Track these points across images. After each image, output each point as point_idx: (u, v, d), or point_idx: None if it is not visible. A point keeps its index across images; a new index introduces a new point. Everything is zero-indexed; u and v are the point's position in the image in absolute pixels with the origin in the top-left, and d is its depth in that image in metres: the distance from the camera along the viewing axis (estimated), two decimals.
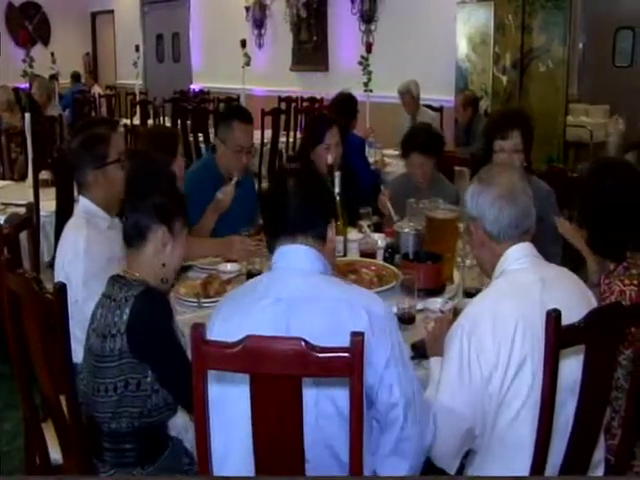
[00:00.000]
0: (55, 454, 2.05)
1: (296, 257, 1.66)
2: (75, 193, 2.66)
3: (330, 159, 3.13)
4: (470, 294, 2.36)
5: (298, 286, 1.59)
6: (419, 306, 2.24)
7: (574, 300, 1.73)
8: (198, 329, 1.43)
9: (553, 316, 1.53)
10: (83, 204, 2.44)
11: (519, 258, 1.80)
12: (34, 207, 3.62)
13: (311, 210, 1.70)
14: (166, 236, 1.90)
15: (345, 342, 1.37)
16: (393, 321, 1.64)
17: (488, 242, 1.83)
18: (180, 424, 2.00)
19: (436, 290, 2.41)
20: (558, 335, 1.54)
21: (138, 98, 8.81)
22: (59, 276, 2.29)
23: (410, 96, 6.19)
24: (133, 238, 1.90)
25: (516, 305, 1.69)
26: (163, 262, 1.92)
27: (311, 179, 1.78)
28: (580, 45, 8.29)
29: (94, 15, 14.41)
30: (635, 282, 1.98)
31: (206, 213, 3.03)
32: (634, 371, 1.77)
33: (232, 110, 3.42)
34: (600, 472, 1.80)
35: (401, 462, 1.59)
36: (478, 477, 1.73)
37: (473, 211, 1.85)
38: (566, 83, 6.68)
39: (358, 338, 1.36)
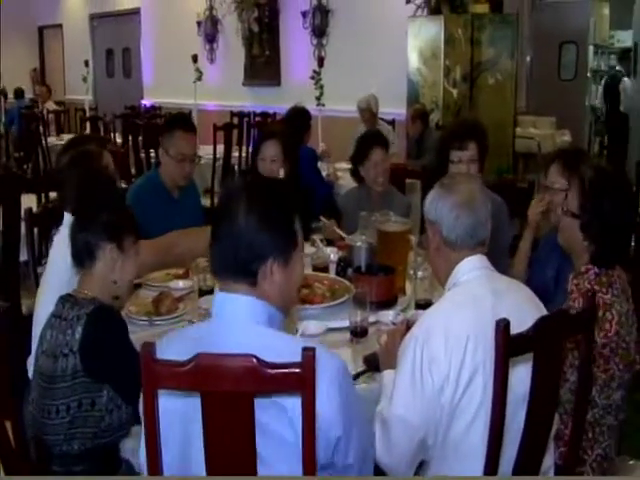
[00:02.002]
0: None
1: (236, 309, 1.50)
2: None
3: (267, 172, 3.20)
4: (422, 306, 2.39)
5: (240, 345, 1.42)
6: (371, 319, 2.26)
7: (526, 311, 1.76)
8: (148, 348, 1.41)
9: (502, 325, 1.56)
10: (69, 220, 2.39)
11: (472, 270, 1.83)
12: None
13: (262, 246, 1.48)
14: (115, 253, 1.88)
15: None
16: (347, 378, 1.53)
17: (443, 248, 1.85)
18: (129, 449, 1.96)
19: (388, 302, 2.43)
20: (507, 343, 1.56)
21: (88, 114, 8.70)
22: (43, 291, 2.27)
23: (370, 112, 6.25)
24: (83, 258, 1.88)
25: (468, 316, 1.72)
26: (114, 279, 1.90)
27: (263, 200, 1.53)
28: (527, 59, 8.51)
29: (41, 29, 14.19)
30: (604, 290, 2.01)
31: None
32: (580, 377, 1.82)
33: (175, 120, 3.43)
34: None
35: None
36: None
37: (432, 215, 1.87)
38: (514, 96, 6.87)
39: (309, 353, 1.36)
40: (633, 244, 2.73)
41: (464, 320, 1.71)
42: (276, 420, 1.41)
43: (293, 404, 1.38)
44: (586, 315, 1.77)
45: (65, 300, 1.85)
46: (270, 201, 1.54)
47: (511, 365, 1.60)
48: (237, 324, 1.49)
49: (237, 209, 1.48)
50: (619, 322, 1.99)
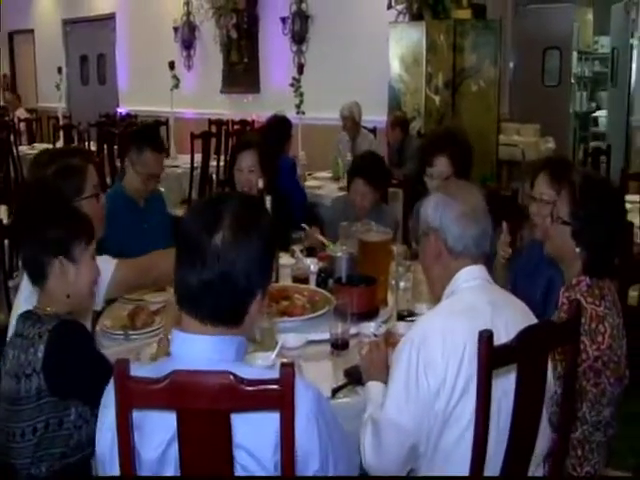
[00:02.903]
0: None
1: (201, 348, 1.44)
2: None
3: (244, 183, 3.25)
4: (404, 317, 2.40)
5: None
6: (353, 331, 2.26)
7: (522, 324, 1.75)
8: (121, 365, 1.40)
9: (485, 336, 1.56)
10: None
11: (471, 280, 1.84)
12: None
13: (256, 285, 1.42)
14: (64, 265, 1.85)
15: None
16: (324, 406, 1.49)
17: (445, 256, 1.86)
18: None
19: (370, 314, 2.43)
20: (490, 355, 1.57)
21: (61, 122, 8.64)
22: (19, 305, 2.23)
23: (352, 120, 6.27)
24: (34, 277, 1.86)
25: (467, 324, 1.71)
26: (67, 293, 1.86)
27: (251, 232, 1.42)
28: (511, 65, 8.60)
29: (11, 35, 14.08)
30: (597, 302, 2.02)
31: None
32: (565, 389, 1.83)
33: (144, 137, 3.43)
34: None
35: None
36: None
37: (435, 222, 1.86)
38: (497, 102, 6.93)
39: (288, 369, 1.36)
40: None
41: (462, 328, 1.71)
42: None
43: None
44: (571, 325, 1.79)
45: (26, 317, 1.83)
46: (259, 232, 1.45)
47: (506, 373, 1.63)
48: (201, 365, 1.40)
49: (228, 244, 1.39)
50: (612, 335, 1.99)
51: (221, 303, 1.42)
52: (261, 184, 3.07)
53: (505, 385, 1.69)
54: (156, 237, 3.12)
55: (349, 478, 1.66)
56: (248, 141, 3.62)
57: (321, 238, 3.08)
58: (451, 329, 1.72)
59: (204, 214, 1.45)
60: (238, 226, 1.41)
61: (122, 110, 10.91)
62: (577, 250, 2.07)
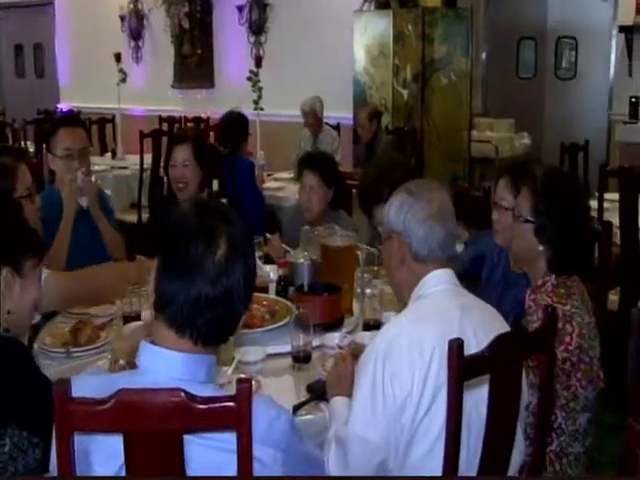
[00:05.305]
0: None
1: (171, 365, 1.46)
2: None
3: (178, 178, 3.27)
4: (370, 327, 2.42)
5: None
6: (315, 343, 2.27)
7: (492, 327, 1.79)
8: (62, 386, 1.39)
9: (455, 346, 1.59)
10: None
11: (438, 284, 1.86)
12: None
13: (247, 302, 1.50)
14: (10, 278, 1.82)
15: None
16: (290, 428, 1.50)
17: (410, 261, 1.88)
18: None
19: (334, 324, 2.45)
20: (460, 366, 1.59)
21: None
22: None
23: (314, 115, 6.27)
24: None
25: (434, 329, 1.74)
26: (8, 309, 1.83)
27: (246, 248, 1.50)
28: (483, 56, 8.69)
29: None
30: (563, 301, 2.07)
31: (61, 228, 3.05)
32: (541, 398, 1.86)
33: (58, 120, 3.48)
34: None
35: None
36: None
37: (398, 226, 1.88)
38: (469, 96, 7.02)
39: (244, 385, 1.37)
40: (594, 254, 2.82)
41: (429, 333, 1.73)
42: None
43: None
44: (546, 332, 1.83)
45: None
46: (250, 244, 1.54)
47: (477, 383, 1.65)
48: (169, 384, 1.41)
49: (229, 259, 1.44)
50: (580, 334, 2.04)
51: (219, 320, 1.47)
52: (195, 179, 3.08)
53: (477, 398, 1.71)
54: (95, 243, 3.13)
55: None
56: (182, 134, 3.65)
57: (285, 247, 3.08)
58: (418, 336, 1.74)
59: (199, 227, 1.47)
60: (235, 240, 1.46)
61: (63, 106, 10.77)
62: (540, 248, 2.12)
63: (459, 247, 2.55)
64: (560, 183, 2.19)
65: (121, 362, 1.93)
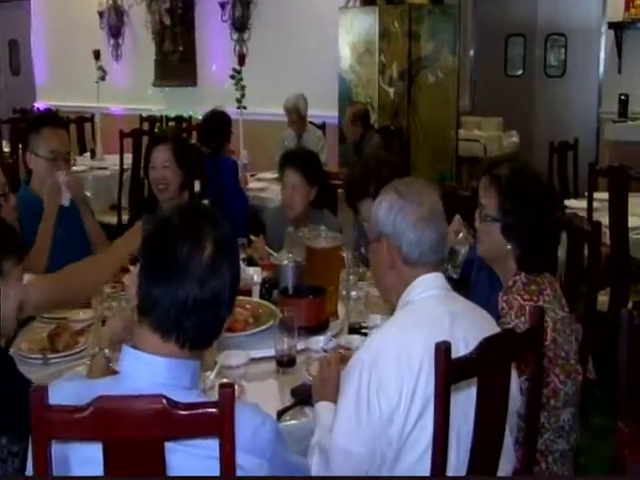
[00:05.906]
0: None
1: (155, 371, 1.46)
2: None
3: (158, 180, 3.29)
4: (356, 330, 2.42)
5: None
6: (300, 346, 2.27)
7: (484, 333, 1.79)
8: (38, 393, 1.38)
9: (442, 348, 1.59)
10: None
11: (428, 289, 1.85)
12: None
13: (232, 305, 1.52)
14: None
15: None
16: (279, 443, 1.52)
17: (400, 265, 1.86)
18: None
19: (318, 327, 2.45)
20: (447, 369, 1.60)
21: None
22: None
23: (297, 114, 6.26)
24: None
25: (423, 337, 1.72)
26: None
27: (232, 252, 1.53)
28: (471, 53, 8.72)
29: None
30: (535, 298, 2.08)
31: (42, 227, 3.04)
32: (528, 400, 1.88)
33: (41, 118, 3.49)
34: None
35: None
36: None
37: (387, 227, 1.86)
38: (457, 94, 7.05)
39: (226, 390, 1.36)
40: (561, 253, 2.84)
41: (418, 341, 1.72)
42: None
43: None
44: (533, 334, 1.83)
45: None
46: (235, 245, 1.56)
47: (466, 387, 1.66)
48: (152, 390, 1.40)
49: (215, 260, 1.45)
50: (554, 329, 2.06)
51: (206, 323, 1.47)
52: (175, 180, 3.07)
53: (465, 409, 1.71)
54: (75, 242, 3.11)
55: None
56: (162, 135, 3.64)
57: (269, 250, 3.08)
58: (406, 346, 1.72)
59: (185, 229, 1.47)
60: (220, 242, 1.46)
61: (40, 105, 10.69)
62: (508, 247, 2.15)
63: (464, 249, 2.55)
64: (525, 182, 2.21)
65: (106, 352, 1.91)
